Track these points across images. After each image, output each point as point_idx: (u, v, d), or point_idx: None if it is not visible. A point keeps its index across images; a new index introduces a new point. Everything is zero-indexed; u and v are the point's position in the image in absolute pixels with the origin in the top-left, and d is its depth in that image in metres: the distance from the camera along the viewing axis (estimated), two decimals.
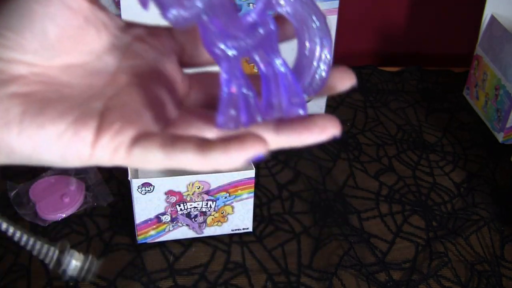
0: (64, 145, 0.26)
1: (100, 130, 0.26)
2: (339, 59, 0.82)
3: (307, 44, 0.27)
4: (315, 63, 0.27)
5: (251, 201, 0.60)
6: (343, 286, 0.57)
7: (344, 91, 0.29)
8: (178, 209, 0.58)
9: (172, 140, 0.25)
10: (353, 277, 0.58)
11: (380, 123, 0.82)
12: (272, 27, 0.27)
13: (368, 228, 0.64)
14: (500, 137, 0.79)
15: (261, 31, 0.27)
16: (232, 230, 0.61)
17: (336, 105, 0.85)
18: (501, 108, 0.78)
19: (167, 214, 0.58)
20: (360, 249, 0.61)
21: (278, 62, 0.27)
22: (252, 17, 0.27)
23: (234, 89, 0.27)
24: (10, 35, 0.26)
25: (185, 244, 0.61)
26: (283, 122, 0.27)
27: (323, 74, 0.27)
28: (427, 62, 0.98)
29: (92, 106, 0.27)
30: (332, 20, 0.73)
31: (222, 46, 0.27)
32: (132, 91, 0.28)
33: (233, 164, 0.24)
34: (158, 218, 0.58)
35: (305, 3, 0.27)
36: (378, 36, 0.99)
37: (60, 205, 0.63)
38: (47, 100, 0.26)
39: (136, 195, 0.56)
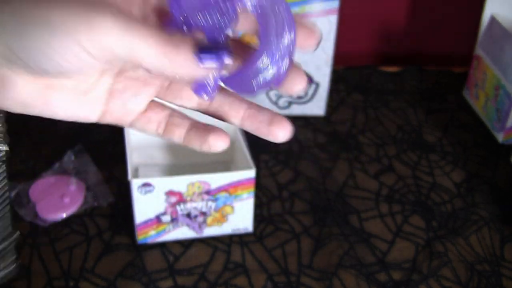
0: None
1: None
2: (340, 59, 0.82)
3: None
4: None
5: (251, 201, 0.60)
6: (343, 286, 0.57)
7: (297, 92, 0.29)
8: (178, 209, 0.58)
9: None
10: (353, 277, 0.58)
11: (380, 123, 0.82)
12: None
13: (368, 228, 0.64)
14: (500, 137, 0.79)
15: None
16: (232, 230, 0.61)
17: (336, 105, 0.85)
18: (501, 108, 0.78)
19: (167, 214, 0.58)
20: (360, 249, 0.61)
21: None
22: None
23: None
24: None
25: (185, 244, 0.61)
26: None
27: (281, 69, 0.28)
28: (427, 62, 0.98)
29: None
30: (332, 20, 0.73)
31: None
32: None
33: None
34: (158, 218, 0.58)
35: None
36: (378, 36, 0.99)
37: (60, 205, 0.63)
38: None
39: (136, 195, 0.56)
